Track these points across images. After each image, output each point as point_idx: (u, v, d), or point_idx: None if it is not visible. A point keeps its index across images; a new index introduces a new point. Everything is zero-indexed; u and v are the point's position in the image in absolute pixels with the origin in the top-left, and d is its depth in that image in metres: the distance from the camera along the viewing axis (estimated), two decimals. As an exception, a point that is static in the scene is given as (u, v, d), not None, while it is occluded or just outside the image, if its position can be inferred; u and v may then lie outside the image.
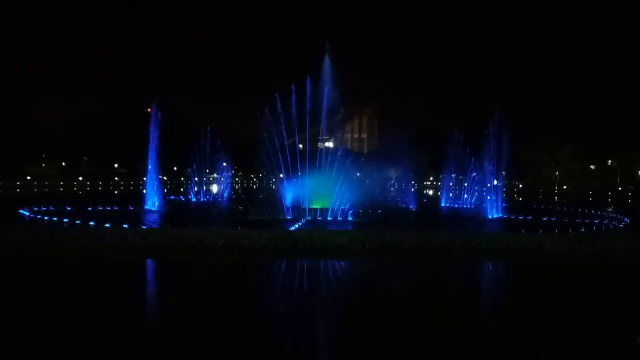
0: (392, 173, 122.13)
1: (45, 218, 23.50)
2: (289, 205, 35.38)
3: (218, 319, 8.37)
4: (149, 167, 41.81)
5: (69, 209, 29.14)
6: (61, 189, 67.41)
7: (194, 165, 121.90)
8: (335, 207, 33.76)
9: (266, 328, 7.88)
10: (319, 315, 8.87)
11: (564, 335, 7.77)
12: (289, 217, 25.96)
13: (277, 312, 8.87)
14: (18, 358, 6.50)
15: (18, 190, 62.33)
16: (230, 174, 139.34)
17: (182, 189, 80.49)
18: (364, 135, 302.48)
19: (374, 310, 9.15)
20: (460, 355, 6.86)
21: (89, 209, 29.84)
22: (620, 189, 74.83)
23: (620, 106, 77.63)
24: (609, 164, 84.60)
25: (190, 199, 51.02)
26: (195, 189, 77.71)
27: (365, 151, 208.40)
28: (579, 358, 6.88)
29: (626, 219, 26.96)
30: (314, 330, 7.97)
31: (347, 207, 34.48)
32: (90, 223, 19.54)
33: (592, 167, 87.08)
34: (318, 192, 30.41)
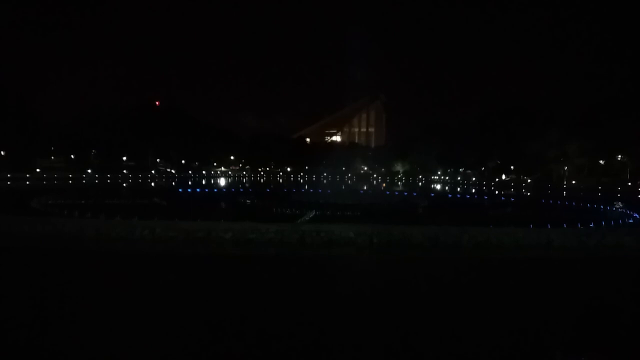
0: (400, 167, 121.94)
1: (55, 210, 23.67)
2: (296, 198, 35.41)
3: (225, 313, 8.40)
4: (157, 160, 42.10)
5: (78, 201, 29.34)
6: (70, 182, 67.81)
7: (202, 159, 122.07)
8: (343, 200, 33.75)
9: (273, 322, 7.90)
10: (321, 309, 8.87)
11: (574, 332, 7.73)
12: (296, 211, 25.97)
13: (283, 305, 8.88)
14: (21, 355, 6.56)
15: (27, 182, 62.78)
16: (238, 167, 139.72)
17: (189, 182, 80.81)
18: (371, 129, 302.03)
19: (379, 305, 9.15)
20: (470, 352, 6.86)
21: (98, 201, 30.01)
22: (629, 184, 74.22)
23: (630, 101, 76.68)
24: (619, 159, 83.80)
25: (198, 191, 51.14)
26: (203, 182, 77.86)
27: (372, 145, 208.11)
28: (592, 354, 6.85)
29: (635, 214, 26.77)
30: (319, 324, 7.97)
31: (354, 200, 34.49)
32: (99, 215, 19.64)
33: (601, 162, 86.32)
34: (326, 185, 30.41)
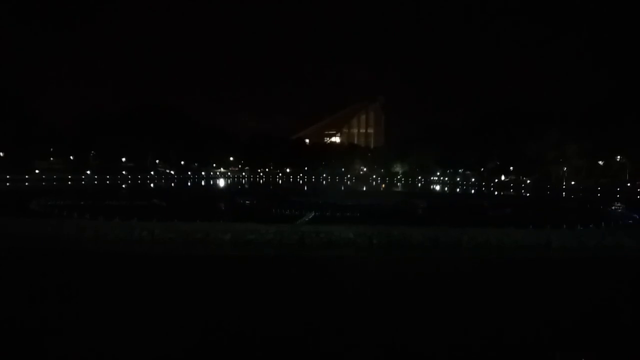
0: (399, 168, 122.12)
1: (54, 211, 23.63)
2: (295, 199, 35.42)
3: (224, 313, 8.38)
4: (156, 161, 42.27)
5: (77, 202, 29.31)
6: (69, 183, 67.78)
7: (201, 160, 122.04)
8: (342, 201, 33.76)
9: (273, 322, 7.88)
10: (321, 309, 8.85)
11: (574, 332, 7.73)
12: (295, 212, 25.95)
13: (282, 306, 8.87)
14: (21, 355, 6.54)
15: (26, 184, 62.73)
16: (237, 168, 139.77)
17: (189, 183, 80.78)
18: (371, 130, 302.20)
19: (379, 305, 9.13)
20: (470, 352, 6.84)
21: (97, 202, 29.97)
22: (628, 185, 74.31)
23: (629, 101, 76.84)
24: (618, 160, 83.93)
25: (197, 192, 51.14)
26: (202, 183, 77.73)
27: (372, 146, 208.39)
28: (591, 354, 6.84)
29: (635, 215, 26.79)
30: (319, 324, 7.96)
31: (354, 201, 34.48)
32: (98, 217, 19.62)
33: (600, 163, 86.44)
34: (325, 187, 30.47)
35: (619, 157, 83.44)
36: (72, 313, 8.18)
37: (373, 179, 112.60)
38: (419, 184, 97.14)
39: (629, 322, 8.39)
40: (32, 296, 9.22)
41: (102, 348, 6.69)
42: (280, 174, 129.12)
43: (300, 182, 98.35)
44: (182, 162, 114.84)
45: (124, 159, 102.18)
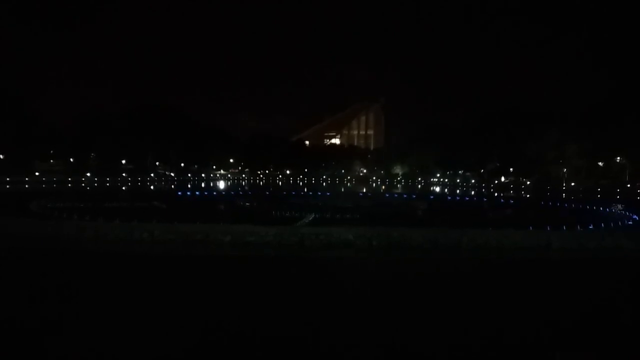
0: (399, 169, 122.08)
1: (54, 213, 23.65)
2: (294, 200, 35.42)
3: (224, 313, 8.38)
4: (156, 163, 42.29)
5: (77, 204, 29.32)
6: (69, 185, 67.76)
7: (201, 161, 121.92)
8: (342, 203, 33.78)
9: (273, 322, 7.88)
10: (320, 309, 8.86)
11: (574, 332, 7.73)
12: (295, 214, 25.96)
13: (282, 305, 8.87)
14: (21, 355, 6.54)
15: (26, 185, 62.72)
16: (237, 170, 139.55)
17: (189, 185, 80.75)
18: (370, 132, 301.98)
19: (378, 305, 9.14)
20: (469, 352, 6.85)
21: (97, 204, 29.99)
22: (628, 185, 74.28)
23: (629, 101, 76.81)
24: (618, 160, 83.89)
25: (197, 194, 51.11)
26: (202, 184, 77.75)
27: (371, 147, 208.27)
28: (590, 354, 6.85)
29: (634, 216, 26.80)
30: (318, 324, 7.96)
31: (353, 203, 34.51)
32: (98, 218, 19.64)
33: (600, 164, 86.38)
34: (324, 188, 30.48)
35: (618, 158, 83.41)
36: (72, 313, 8.18)
37: (373, 181, 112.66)
38: (419, 186, 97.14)
39: (629, 322, 8.39)
40: (32, 296, 9.22)
41: (102, 348, 6.70)
42: (280, 176, 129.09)
43: (300, 184, 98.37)
44: (182, 164, 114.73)
45: (123, 161, 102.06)
